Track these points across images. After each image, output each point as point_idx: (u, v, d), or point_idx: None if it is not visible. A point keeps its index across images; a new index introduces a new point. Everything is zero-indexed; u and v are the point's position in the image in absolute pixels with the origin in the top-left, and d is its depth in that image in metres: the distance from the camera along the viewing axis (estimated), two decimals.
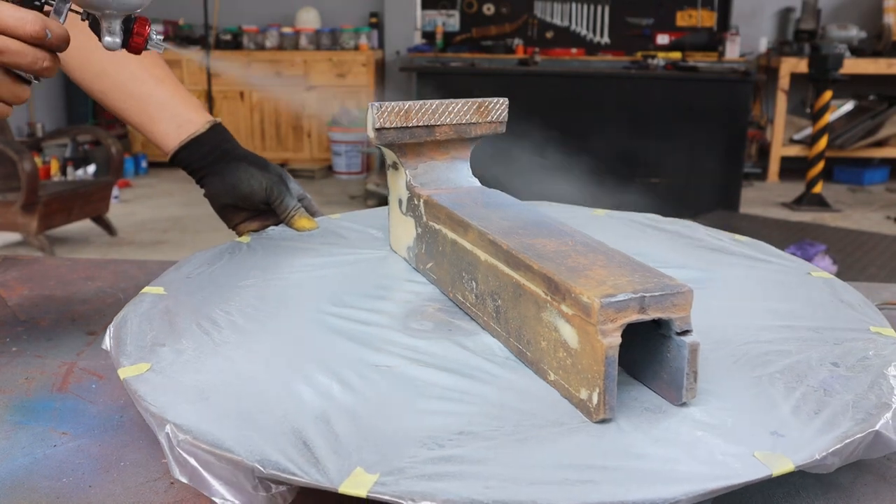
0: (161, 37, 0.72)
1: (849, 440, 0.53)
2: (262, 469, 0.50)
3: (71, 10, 0.68)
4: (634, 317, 0.55)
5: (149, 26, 0.70)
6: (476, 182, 0.89)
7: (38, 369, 0.79)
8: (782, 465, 0.50)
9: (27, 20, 0.63)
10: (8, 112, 0.66)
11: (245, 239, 0.97)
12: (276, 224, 1.01)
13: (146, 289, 0.81)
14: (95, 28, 0.69)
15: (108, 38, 0.68)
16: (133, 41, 0.70)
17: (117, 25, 0.68)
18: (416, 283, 0.83)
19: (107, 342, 0.70)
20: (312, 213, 1.02)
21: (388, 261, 0.90)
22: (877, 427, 0.54)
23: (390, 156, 0.88)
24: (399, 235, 0.91)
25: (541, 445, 0.53)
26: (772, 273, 0.85)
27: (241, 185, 0.96)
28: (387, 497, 0.47)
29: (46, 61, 0.65)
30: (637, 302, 0.55)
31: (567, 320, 0.58)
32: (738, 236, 0.98)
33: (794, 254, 0.96)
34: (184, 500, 0.58)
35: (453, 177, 0.88)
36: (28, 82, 0.67)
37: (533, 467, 0.50)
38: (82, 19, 0.69)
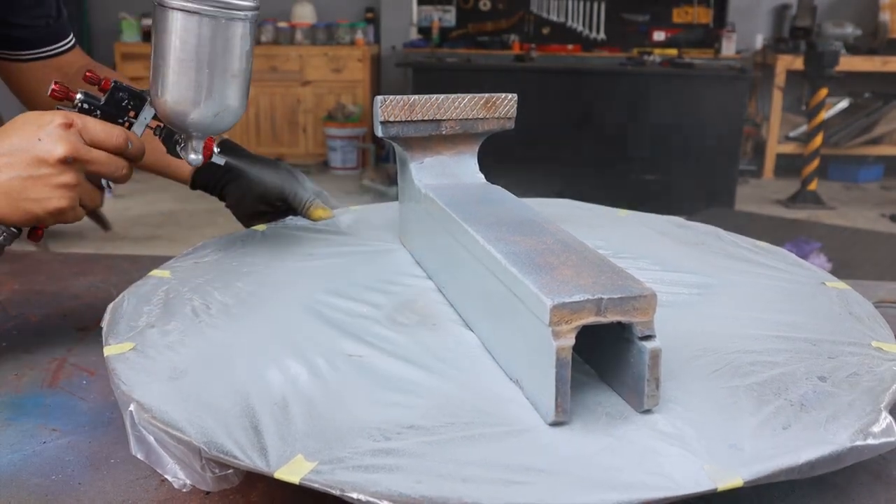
0: (219, 149, 0.81)
1: (809, 459, 0.51)
2: (207, 450, 0.51)
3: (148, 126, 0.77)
4: (591, 319, 0.53)
5: (213, 142, 0.79)
6: (481, 178, 0.88)
7: (28, 365, 0.79)
8: (730, 481, 0.48)
9: (114, 134, 0.71)
10: (82, 215, 0.73)
11: (262, 227, 0.99)
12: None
13: (153, 272, 0.82)
14: (167, 142, 0.79)
15: (192, 156, 0.78)
16: (202, 153, 0.79)
17: (200, 145, 0.78)
18: (417, 276, 0.83)
19: (104, 321, 0.71)
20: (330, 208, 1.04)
21: (394, 254, 0.90)
22: (845, 447, 0.52)
23: (398, 149, 0.87)
24: (406, 229, 0.91)
25: (486, 444, 0.52)
26: (784, 282, 0.83)
27: (255, 187, 1.00)
28: (317, 486, 0.48)
29: (125, 169, 0.73)
30: (594, 304, 0.53)
31: (528, 319, 0.57)
32: (759, 243, 0.96)
33: (790, 251, 0.95)
34: (173, 497, 0.58)
35: (458, 172, 0.87)
36: (103, 189, 0.74)
37: (471, 465, 0.50)
38: (155, 134, 0.78)
